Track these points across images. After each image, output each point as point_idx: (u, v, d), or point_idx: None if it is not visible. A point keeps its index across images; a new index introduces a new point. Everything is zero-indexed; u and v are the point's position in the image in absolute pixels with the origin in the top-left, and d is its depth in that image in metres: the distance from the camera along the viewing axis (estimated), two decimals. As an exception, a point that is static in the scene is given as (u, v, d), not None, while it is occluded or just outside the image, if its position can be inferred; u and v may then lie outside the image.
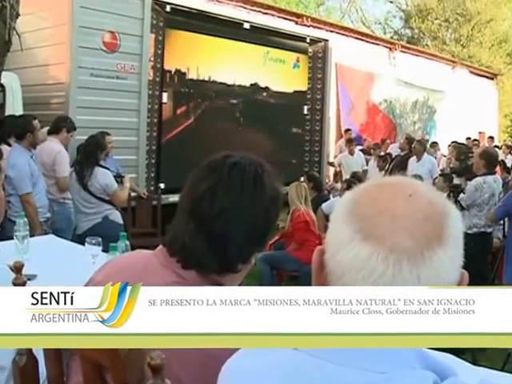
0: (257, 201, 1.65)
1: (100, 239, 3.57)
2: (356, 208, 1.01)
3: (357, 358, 0.95)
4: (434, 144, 15.24)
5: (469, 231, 6.34)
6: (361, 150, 13.84)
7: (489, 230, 6.42)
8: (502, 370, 4.66)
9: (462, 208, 6.30)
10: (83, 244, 3.91)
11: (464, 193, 6.29)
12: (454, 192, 6.29)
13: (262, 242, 1.72)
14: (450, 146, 15.17)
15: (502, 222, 6.57)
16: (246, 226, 1.63)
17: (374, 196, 1.03)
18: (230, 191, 1.62)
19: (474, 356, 5.47)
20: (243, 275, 1.74)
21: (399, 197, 1.00)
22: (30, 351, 1.73)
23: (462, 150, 7.08)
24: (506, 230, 7.20)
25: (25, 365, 1.72)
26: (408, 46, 24.04)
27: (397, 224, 0.96)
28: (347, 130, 14.51)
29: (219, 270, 1.62)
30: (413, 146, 11.17)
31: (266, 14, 14.97)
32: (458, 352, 5.30)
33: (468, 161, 6.54)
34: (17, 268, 1.73)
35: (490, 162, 6.36)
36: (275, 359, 1.05)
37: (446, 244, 0.97)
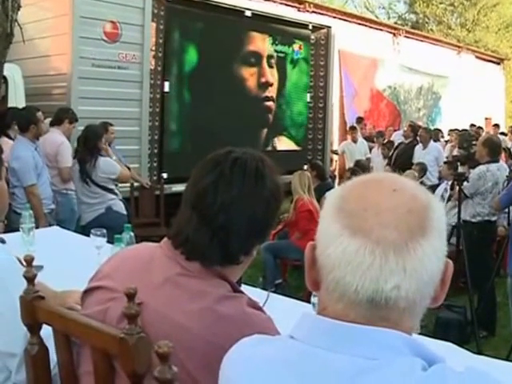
0: (258, 195, 1.69)
1: (105, 231, 3.58)
2: (343, 204, 1.06)
3: (348, 344, 1.00)
4: (437, 131, 15.18)
5: (472, 220, 6.34)
6: (364, 138, 13.81)
7: (493, 218, 6.40)
8: (506, 359, 4.67)
9: (465, 196, 6.28)
10: (87, 235, 3.95)
11: (468, 181, 6.27)
12: (459, 180, 6.27)
13: (263, 234, 1.76)
14: (449, 133, 15.15)
15: (507, 210, 6.55)
16: (247, 220, 1.67)
17: (360, 192, 1.07)
18: (231, 186, 1.66)
19: (479, 346, 5.49)
20: (245, 266, 1.78)
21: (384, 192, 1.05)
22: (41, 340, 1.79)
23: (464, 138, 7.06)
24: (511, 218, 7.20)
25: (36, 353, 1.79)
26: (412, 31, 23.93)
27: (382, 218, 1.01)
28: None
29: (222, 261, 1.66)
30: (419, 133, 11.16)
31: (268, 0, 14.90)
32: (462, 342, 5.34)
33: (471, 149, 6.51)
34: (27, 261, 1.77)
35: (494, 149, 6.34)
36: (274, 348, 1.09)
37: (430, 236, 1.01)
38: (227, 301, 1.58)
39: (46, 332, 1.79)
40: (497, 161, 6.46)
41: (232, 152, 1.75)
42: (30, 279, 1.74)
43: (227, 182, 1.66)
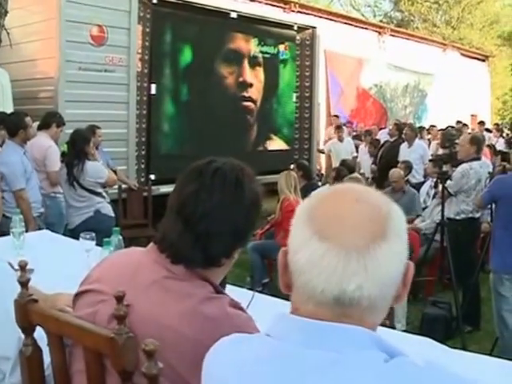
0: (237, 203, 1.79)
1: (94, 234, 3.63)
2: (313, 213, 1.15)
3: (319, 340, 1.09)
4: (421, 129, 15.27)
5: (457, 217, 6.43)
6: (353, 137, 13.90)
7: (476, 215, 6.49)
8: (490, 354, 4.76)
9: (449, 194, 6.38)
10: (76, 238, 4.01)
11: (451, 179, 6.36)
12: (442, 179, 6.36)
13: (243, 239, 1.86)
14: (428, 130, 15.21)
15: (489, 206, 6.64)
16: (227, 226, 1.77)
17: (327, 202, 1.17)
18: (212, 194, 1.76)
19: (464, 341, 5.59)
20: (227, 269, 1.88)
21: (348, 202, 1.15)
22: (35, 342, 1.90)
23: (446, 138, 7.14)
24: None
25: (30, 354, 1.89)
26: (397, 29, 24.03)
27: (346, 225, 1.10)
28: (335, 116, 14.36)
29: (204, 264, 1.76)
30: (404, 131, 11.23)
31: (254, 1, 14.95)
32: (447, 337, 5.43)
33: (453, 148, 6.59)
34: (21, 266, 1.86)
35: (480, 147, 6.48)
36: (252, 345, 1.19)
37: (390, 240, 1.10)
38: (210, 301, 1.68)
39: (39, 334, 1.88)
40: (479, 158, 6.56)
41: (213, 162, 1.83)
42: (24, 284, 1.83)
43: (208, 190, 1.75)
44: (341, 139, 12.78)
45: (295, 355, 1.09)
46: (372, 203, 1.15)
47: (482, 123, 19.28)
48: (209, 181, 1.77)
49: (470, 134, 9.04)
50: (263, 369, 1.11)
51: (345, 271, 1.07)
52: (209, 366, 1.24)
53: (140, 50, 9.14)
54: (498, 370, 2.44)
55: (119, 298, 1.52)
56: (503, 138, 16.16)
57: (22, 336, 1.90)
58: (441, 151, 7.75)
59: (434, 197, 7.82)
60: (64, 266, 3.36)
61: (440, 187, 6.45)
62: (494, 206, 5.71)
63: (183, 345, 1.60)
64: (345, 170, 8.04)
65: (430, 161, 8.37)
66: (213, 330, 1.44)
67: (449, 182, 6.34)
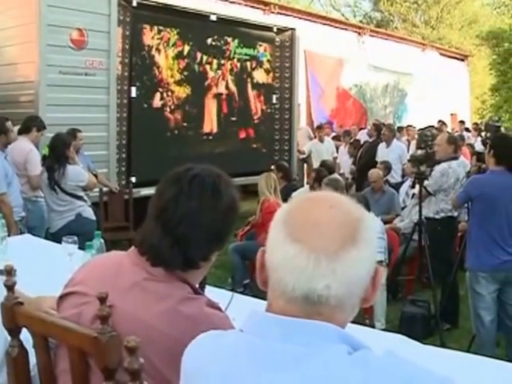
0: (215, 208, 1.88)
1: (76, 238, 3.68)
2: (288, 217, 1.24)
3: (289, 335, 1.18)
4: (401, 129, 15.39)
5: (436, 216, 6.52)
6: (333, 138, 13.97)
7: (455, 214, 6.60)
8: (467, 350, 4.85)
9: (428, 194, 6.46)
10: (57, 242, 4.06)
11: (428, 179, 6.44)
12: (419, 179, 6.45)
13: (221, 243, 1.95)
14: (405, 130, 15.30)
15: (466, 205, 6.73)
16: (205, 230, 1.87)
17: (302, 208, 1.27)
18: (191, 200, 1.85)
19: (442, 338, 5.69)
20: (205, 271, 1.98)
21: (322, 208, 1.24)
22: (21, 343, 1.97)
23: (422, 139, 7.22)
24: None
25: (17, 355, 1.96)
26: (377, 30, 24.19)
27: (318, 229, 1.19)
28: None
29: (183, 266, 1.85)
30: (382, 131, 11.32)
31: (233, 3, 15.02)
32: (426, 335, 5.52)
33: (429, 148, 6.67)
34: (8, 271, 1.94)
35: (457, 146, 6.59)
36: (227, 341, 1.28)
37: (359, 245, 1.19)
38: (188, 302, 1.77)
39: (24, 336, 1.94)
40: (457, 158, 6.66)
41: (191, 169, 1.92)
42: (10, 287, 1.90)
43: (187, 196, 1.84)
44: (321, 139, 12.86)
45: (267, 349, 1.18)
46: (345, 210, 1.24)
47: (462, 122, 19.45)
48: (187, 187, 1.85)
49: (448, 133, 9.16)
50: (237, 361, 1.20)
51: (314, 272, 1.16)
52: (187, 361, 1.32)
53: (120, 54, 9.13)
54: (470, 365, 2.53)
55: (102, 299, 1.60)
56: (481, 137, 16.30)
57: (9, 338, 1.96)
58: (419, 151, 7.83)
59: (412, 196, 7.91)
60: (47, 269, 3.41)
61: (417, 187, 6.54)
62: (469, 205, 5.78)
63: (163, 343, 1.68)
64: (324, 171, 8.09)
65: (409, 161, 8.47)
66: (191, 329, 1.51)
67: (428, 181, 6.43)
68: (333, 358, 1.13)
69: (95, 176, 6.99)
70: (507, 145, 5.25)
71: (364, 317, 6.18)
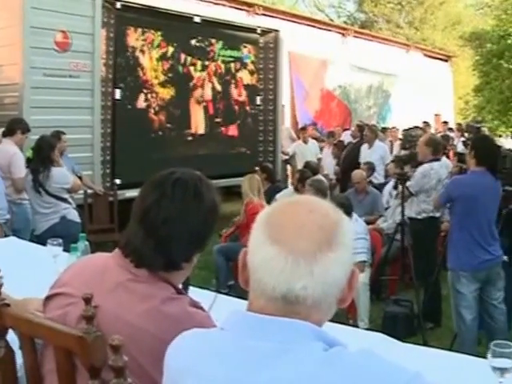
0: (196, 211, 1.94)
1: (61, 240, 3.69)
2: (269, 219, 1.30)
3: (267, 333, 1.23)
4: (385, 129, 15.46)
5: (418, 216, 6.59)
6: (315, 138, 14.00)
7: (437, 214, 6.65)
8: (449, 349, 4.91)
9: (410, 194, 6.53)
10: (42, 244, 4.07)
11: (410, 180, 6.50)
12: (401, 180, 6.51)
13: (202, 244, 2.01)
14: (389, 131, 15.37)
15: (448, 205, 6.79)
16: (187, 232, 1.92)
17: (283, 211, 1.32)
18: (173, 202, 1.91)
19: (425, 337, 5.75)
20: (188, 272, 2.02)
21: (302, 212, 1.29)
22: (7, 344, 2.00)
23: (406, 139, 7.29)
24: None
25: (3, 356, 1.99)
26: (361, 30, 24.28)
27: (297, 232, 1.24)
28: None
29: (166, 268, 1.90)
30: (364, 132, 11.39)
31: (217, 4, 15.04)
32: (410, 334, 5.57)
33: (413, 149, 6.74)
34: None
35: (436, 148, 6.61)
36: (209, 339, 1.33)
37: (336, 248, 1.25)
38: (171, 301, 1.82)
39: (10, 337, 1.97)
40: (439, 159, 6.71)
41: (174, 173, 1.97)
42: (-3, 289, 1.94)
43: (169, 199, 1.90)
44: (305, 141, 12.89)
45: (247, 346, 1.23)
46: (323, 214, 1.29)
47: (445, 123, 19.57)
48: (170, 190, 1.91)
49: (432, 134, 9.22)
50: (218, 359, 1.25)
51: (292, 273, 1.21)
52: (170, 359, 1.37)
53: (104, 56, 9.14)
54: (449, 362, 2.59)
55: (87, 300, 1.65)
56: (464, 138, 16.45)
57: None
58: (402, 152, 7.91)
59: (396, 197, 7.98)
60: (32, 272, 3.42)
61: (399, 188, 6.60)
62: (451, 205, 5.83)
63: (147, 341, 1.73)
64: (308, 172, 8.12)
65: (393, 161, 8.53)
66: (174, 328, 1.54)
67: (410, 182, 6.49)
68: (308, 354, 1.18)
69: (80, 178, 6.97)
70: (488, 146, 5.33)
71: (347, 317, 6.24)
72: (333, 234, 1.26)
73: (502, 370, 2.16)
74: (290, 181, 13.18)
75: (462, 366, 2.57)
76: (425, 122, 17.04)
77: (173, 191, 1.91)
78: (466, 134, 15.43)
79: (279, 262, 1.22)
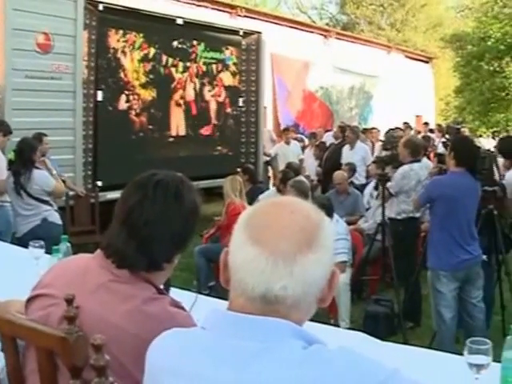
0: (177, 212, 1.97)
1: (42, 242, 3.71)
2: (251, 220, 1.32)
3: (247, 331, 1.25)
4: (366, 130, 15.52)
5: (398, 217, 6.64)
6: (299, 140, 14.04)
7: (417, 215, 6.70)
8: (429, 347, 4.96)
9: (390, 195, 6.58)
10: (24, 246, 4.08)
11: (391, 181, 6.55)
12: (382, 180, 6.56)
13: (183, 245, 2.04)
14: (370, 131, 15.42)
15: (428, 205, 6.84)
16: (168, 233, 1.95)
17: (265, 211, 1.35)
18: (155, 204, 1.93)
19: (405, 336, 5.80)
20: (169, 272, 2.05)
21: (283, 213, 1.31)
22: None
23: (388, 140, 7.36)
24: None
25: None
26: (343, 32, 24.41)
27: (278, 233, 1.27)
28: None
29: (147, 268, 1.93)
30: (346, 134, 11.43)
31: (200, 6, 15.05)
32: (390, 333, 5.61)
33: (394, 150, 6.79)
34: None
35: (415, 150, 6.64)
36: (189, 337, 1.36)
37: (316, 249, 1.27)
38: (152, 302, 1.84)
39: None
40: (419, 160, 6.76)
41: (155, 174, 2.00)
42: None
43: (151, 201, 1.93)
44: (288, 142, 12.92)
45: (227, 344, 1.25)
46: (304, 216, 1.32)
47: (426, 124, 19.67)
48: (151, 191, 1.94)
49: (411, 136, 9.28)
50: (199, 357, 1.27)
51: (272, 274, 1.24)
52: (151, 358, 1.39)
53: (86, 57, 9.13)
54: (424, 359, 2.63)
55: (69, 301, 1.67)
56: (445, 139, 16.55)
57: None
58: (384, 153, 7.97)
59: (377, 198, 8.03)
60: (13, 274, 3.43)
61: (380, 189, 6.65)
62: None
63: (128, 341, 1.75)
64: (291, 172, 8.16)
65: (374, 162, 8.59)
66: (155, 327, 1.56)
67: (390, 182, 6.54)
68: (286, 352, 1.21)
69: (63, 182, 6.94)
70: (467, 147, 5.39)
71: (329, 316, 6.27)
72: (313, 236, 1.29)
73: (478, 367, 2.20)
74: (271, 182, 13.23)
75: (440, 363, 2.61)
76: (405, 123, 17.10)
77: (154, 193, 1.94)
78: (447, 135, 15.52)
79: (260, 262, 1.24)
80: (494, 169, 7.68)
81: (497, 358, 2.25)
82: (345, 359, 1.22)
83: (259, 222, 1.31)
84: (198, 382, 1.25)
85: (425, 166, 7.09)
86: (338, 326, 5.91)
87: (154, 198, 1.93)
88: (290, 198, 1.45)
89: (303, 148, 13.64)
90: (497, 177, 8.07)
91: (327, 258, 1.31)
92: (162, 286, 2.03)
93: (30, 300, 1.98)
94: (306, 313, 1.33)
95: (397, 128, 14.49)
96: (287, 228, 1.27)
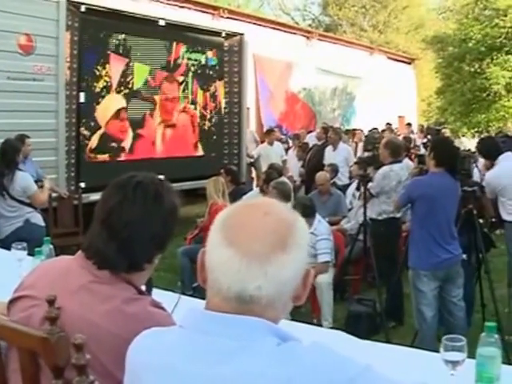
0: (157, 213, 1.99)
1: (25, 244, 3.71)
2: (226, 221, 1.35)
3: (223, 329, 1.28)
4: (349, 131, 15.58)
5: (379, 217, 6.69)
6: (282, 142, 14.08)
7: (397, 215, 6.76)
8: (411, 345, 5.00)
9: (371, 196, 6.62)
10: (6, 248, 4.08)
11: (372, 181, 6.60)
12: (363, 181, 6.61)
13: (163, 245, 2.06)
14: (353, 132, 15.48)
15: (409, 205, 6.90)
16: (148, 234, 1.97)
17: (239, 213, 1.38)
18: (134, 206, 1.96)
19: (388, 335, 5.84)
20: (149, 272, 2.08)
21: (257, 215, 1.34)
22: None
23: (369, 141, 7.41)
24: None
25: None
26: (325, 34, 24.49)
27: (252, 235, 1.30)
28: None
29: (128, 269, 1.95)
30: (328, 135, 11.48)
31: (182, 7, 15.07)
32: (373, 332, 5.64)
33: (375, 151, 6.84)
34: None
35: (395, 151, 6.69)
36: (168, 336, 1.38)
37: (290, 250, 1.30)
38: (132, 302, 1.87)
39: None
40: (400, 161, 6.81)
41: (135, 176, 2.03)
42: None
43: (131, 202, 1.95)
44: (271, 143, 12.95)
45: (204, 342, 1.28)
46: (278, 217, 1.34)
47: (409, 125, 19.79)
48: (131, 193, 1.96)
49: (392, 137, 9.34)
50: (178, 354, 1.30)
51: (247, 274, 1.27)
52: (131, 357, 1.42)
53: (68, 59, 9.10)
54: (402, 357, 2.67)
55: (51, 302, 1.68)
56: (427, 139, 16.67)
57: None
58: (366, 153, 8.02)
59: (359, 198, 8.07)
60: (-3, 275, 3.43)
61: (362, 189, 6.69)
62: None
63: (109, 340, 1.78)
64: (274, 174, 8.19)
65: (356, 163, 8.64)
66: (135, 327, 1.57)
67: (371, 183, 6.59)
68: (261, 349, 1.24)
69: (42, 182, 6.89)
70: (446, 147, 5.45)
71: (312, 316, 6.31)
72: (287, 236, 1.31)
73: (454, 363, 2.24)
74: (255, 183, 13.26)
75: (419, 361, 2.64)
76: (387, 124, 17.21)
77: (134, 194, 1.96)
78: (429, 136, 15.63)
79: (234, 263, 1.27)
80: (475, 169, 7.79)
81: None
82: (317, 355, 1.25)
83: (234, 223, 1.33)
84: (174, 376, 1.28)
85: (405, 167, 7.14)
86: (321, 325, 5.94)
87: (134, 199, 1.95)
88: (265, 200, 1.49)
89: (287, 149, 13.69)
90: (478, 177, 8.18)
91: (301, 258, 1.34)
92: (143, 287, 2.06)
93: (12, 302, 2.00)
94: (282, 311, 1.36)
95: (375, 129, 14.62)
96: (261, 230, 1.30)
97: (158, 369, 1.31)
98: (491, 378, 2.20)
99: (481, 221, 6.04)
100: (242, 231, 1.30)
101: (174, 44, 11.15)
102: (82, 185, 9.25)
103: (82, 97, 9.36)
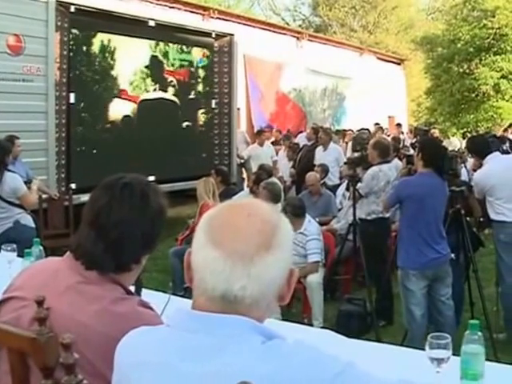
0: (144, 214, 2.01)
1: (15, 245, 3.73)
2: (211, 222, 1.37)
3: (209, 327, 1.30)
4: (339, 132, 15.61)
5: (368, 217, 6.72)
6: (272, 142, 14.10)
7: (387, 215, 6.80)
8: (401, 344, 5.03)
9: (360, 196, 6.65)
10: (-4, 249, 4.08)
11: (361, 182, 6.62)
12: (352, 181, 6.63)
13: (151, 246, 2.08)
14: (344, 132, 15.53)
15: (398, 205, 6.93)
16: (136, 235, 1.99)
17: (224, 214, 1.39)
18: (122, 206, 1.98)
19: (378, 334, 5.87)
20: (137, 273, 2.10)
21: (241, 216, 1.36)
22: None
23: (357, 141, 7.43)
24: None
25: None
26: (315, 34, 24.56)
27: (236, 235, 1.32)
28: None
29: (116, 269, 1.97)
30: (319, 135, 11.52)
31: (172, 8, 15.07)
32: (363, 332, 5.67)
33: (364, 151, 6.87)
34: None
35: (383, 151, 6.73)
36: (156, 335, 1.40)
37: (274, 250, 1.32)
38: (120, 301, 1.89)
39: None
40: (388, 161, 6.85)
41: (122, 178, 2.05)
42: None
43: (118, 203, 1.97)
44: (261, 143, 12.97)
45: (191, 340, 1.30)
46: (262, 218, 1.36)
47: (399, 125, 19.83)
48: (119, 194, 1.98)
49: (381, 137, 9.38)
50: (165, 353, 1.32)
51: (231, 275, 1.28)
52: (120, 356, 1.44)
53: (58, 59, 9.06)
54: (393, 356, 2.70)
55: (40, 302, 1.69)
56: (416, 139, 16.70)
57: None
58: (355, 154, 8.04)
59: (349, 198, 8.10)
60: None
61: (351, 190, 6.72)
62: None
63: (97, 340, 1.79)
64: (264, 174, 8.22)
65: (346, 163, 8.66)
66: (123, 326, 1.59)
67: (360, 183, 6.62)
68: (246, 347, 1.26)
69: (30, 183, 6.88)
70: (434, 148, 5.49)
71: (303, 316, 6.34)
72: (271, 237, 1.33)
73: (439, 361, 2.27)
74: (245, 183, 13.27)
75: (408, 359, 2.67)
76: (376, 124, 17.24)
77: (121, 195, 1.98)
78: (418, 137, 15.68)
79: (218, 264, 1.29)
80: (464, 169, 7.81)
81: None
82: (301, 353, 1.28)
83: (219, 223, 1.35)
84: (163, 372, 1.30)
85: (394, 167, 7.18)
86: (311, 325, 5.97)
87: (121, 199, 1.97)
88: (250, 201, 1.52)
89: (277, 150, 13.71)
90: (466, 177, 8.21)
91: (285, 258, 1.36)
92: (131, 287, 2.08)
93: (1, 303, 2.01)
94: (266, 310, 1.38)
95: (364, 129, 14.65)
96: (244, 230, 1.32)
97: (146, 364, 1.34)
98: (475, 375, 2.22)
99: (468, 219, 6.08)
100: (226, 232, 1.32)
101: (165, 44, 11.16)
102: (73, 186, 9.23)
103: (72, 97, 9.34)
